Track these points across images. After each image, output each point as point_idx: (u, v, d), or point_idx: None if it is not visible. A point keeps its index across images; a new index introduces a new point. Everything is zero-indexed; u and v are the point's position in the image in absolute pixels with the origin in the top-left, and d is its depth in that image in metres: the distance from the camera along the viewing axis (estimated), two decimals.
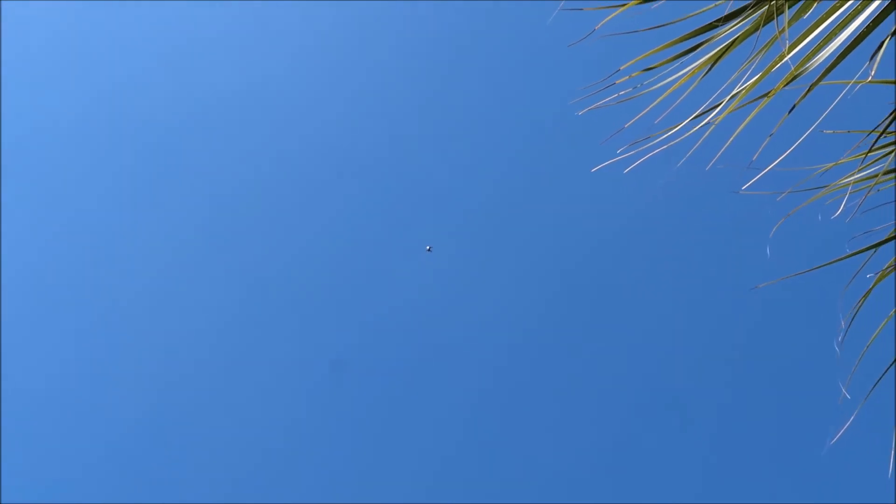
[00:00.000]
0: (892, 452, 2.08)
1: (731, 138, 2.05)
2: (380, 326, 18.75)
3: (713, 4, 1.99)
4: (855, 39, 1.95)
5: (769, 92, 1.98)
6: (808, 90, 1.93)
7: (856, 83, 1.97)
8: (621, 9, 1.96)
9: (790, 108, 1.97)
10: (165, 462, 17.25)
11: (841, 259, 2.17)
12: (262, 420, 18.13)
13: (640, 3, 1.96)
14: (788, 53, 1.96)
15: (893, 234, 2.15)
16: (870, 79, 1.94)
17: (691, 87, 2.03)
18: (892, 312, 2.26)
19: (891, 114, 1.96)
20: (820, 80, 1.95)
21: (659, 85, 2.06)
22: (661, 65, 2.05)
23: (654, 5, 1.96)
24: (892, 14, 1.95)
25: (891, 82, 1.99)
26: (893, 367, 2.21)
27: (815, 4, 1.96)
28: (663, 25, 2.00)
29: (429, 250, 15.78)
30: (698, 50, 2.04)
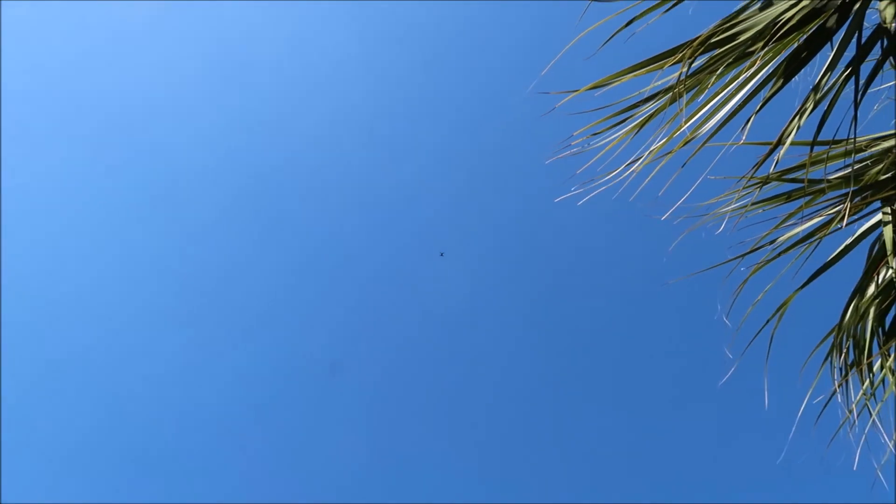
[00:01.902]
0: (765, 392, 3.06)
1: (646, 181, 2.93)
2: (379, 327, 19.36)
3: (637, 92, 2.86)
4: (731, 114, 2.86)
5: (671, 150, 2.86)
6: (697, 150, 2.83)
7: (732, 144, 2.89)
8: (575, 93, 2.80)
9: (685, 161, 2.86)
10: (165, 462, 17.24)
11: (723, 263, 3.13)
12: (262, 420, 18.33)
13: (588, 89, 2.80)
14: (686, 124, 2.85)
15: (756, 247, 3.12)
16: (741, 141, 2.86)
17: (622, 147, 2.90)
18: (759, 297, 3.23)
19: (755, 165, 2.88)
20: (706, 142, 2.84)
21: (600, 143, 2.93)
22: (602, 132, 2.91)
23: (598, 93, 2.81)
24: (756, 97, 2.87)
25: (754, 143, 2.91)
26: (759, 335, 3.19)
27: (704, 91, 2.86)
28: (604, 107, 2.87)
29: (442, 255, 16.99)
30: (627, 121, 2.91)
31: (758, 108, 2.85)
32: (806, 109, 2.78)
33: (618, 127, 2.92)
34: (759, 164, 2.88)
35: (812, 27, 2.77)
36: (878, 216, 3.11)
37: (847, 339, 3.20)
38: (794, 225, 3.13)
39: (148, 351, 17.97)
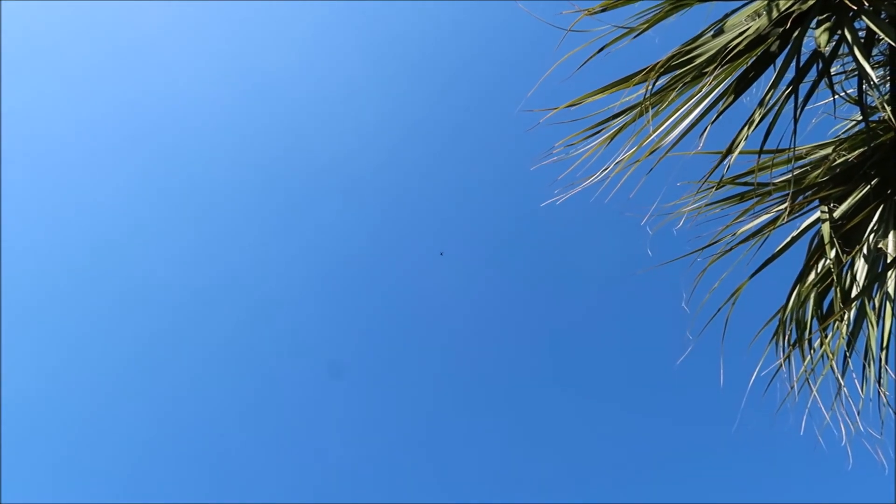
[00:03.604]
0: (721, 368, 3.52)
1: (619, 185, 3.36)
2: (378, 329, 19.75)
3: (608, 107, 3.29)
4: (690, 126, 3.30)
5: (640, 158, 3.30)
6: (661, 157, 3.27)
7: (691, 153, 3.33)
8: (555, 110, 3.23)
9: (651, 167, 3.30)
10: (165, 463, 17.33)
11: (685, 255, 3.58)
12: (261, 421, 18.51)
13: (567, 107, 3.23)
14: (652, 135, 3.29)
15: (713, 241, 3.58)
16: (698, 150, 3.30)
17: (597, 155, 3.33)
18: (715, 284, 3.69)
19: (710, 169, 3.32)
20: (669, 151, 3.29)
21: (578, 153, 3.36)
22: (579, 142, 3.34)
23: (575, 109, 3.24)
24: (711, 111, 3.31)
25: (710, 152, 3.35)
26: (716, 316, 3.64)
27: (667, 107, 3.29)
28: (581, 119, 3.30)
29: (442, 255, 17.62)
30: (600, 133, 3.34)
31: (712, 120, 3.28)
32: (753, 122, 3.19)
33: (593, 138, 3.35)
34: (713, 169, 3.33)
35: (758, 52, 3.21)
36: (817, 214, 3.59)
37: (791, 321, 3.67)
38: (745, 222, 3.60)
39: (145, 351, 18.11)
